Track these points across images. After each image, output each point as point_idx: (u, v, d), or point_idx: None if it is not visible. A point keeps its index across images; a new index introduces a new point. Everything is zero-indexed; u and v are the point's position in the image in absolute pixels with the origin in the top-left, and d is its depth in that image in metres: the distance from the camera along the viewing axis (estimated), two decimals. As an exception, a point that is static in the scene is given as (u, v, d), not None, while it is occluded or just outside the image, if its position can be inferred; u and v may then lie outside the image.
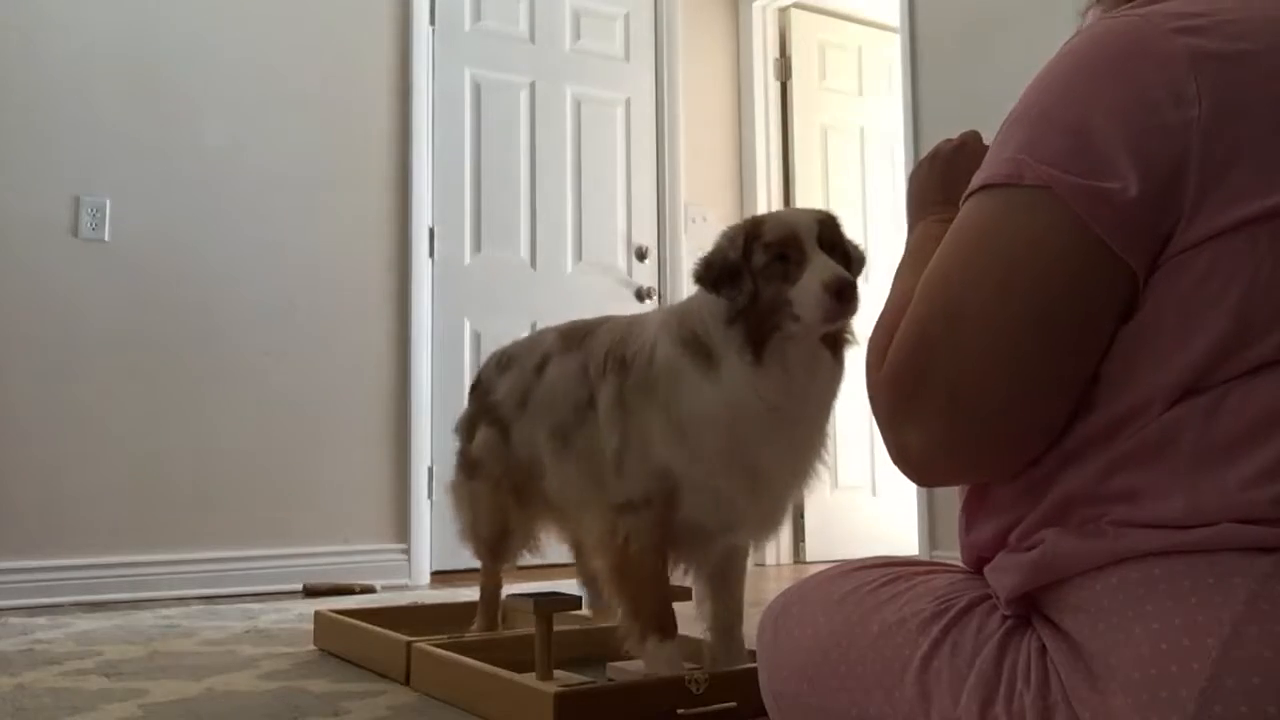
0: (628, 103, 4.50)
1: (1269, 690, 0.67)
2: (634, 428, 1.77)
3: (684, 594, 1.88)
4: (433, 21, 4.04)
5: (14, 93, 3.29)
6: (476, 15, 4.20)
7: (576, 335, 2.00)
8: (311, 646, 2.41)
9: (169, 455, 3.40)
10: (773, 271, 1.65)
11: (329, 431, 3.65)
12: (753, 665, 1.13)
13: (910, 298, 0.88)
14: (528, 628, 2.01)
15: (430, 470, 3.77)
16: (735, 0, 4.77)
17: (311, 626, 2.47)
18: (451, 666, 1.85)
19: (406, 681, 1.97)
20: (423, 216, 3.92)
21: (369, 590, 3.53)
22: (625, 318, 2.00)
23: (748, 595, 1.95)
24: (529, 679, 1.73)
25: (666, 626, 1.77)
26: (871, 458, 4.57)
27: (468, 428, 2.30)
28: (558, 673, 1.81)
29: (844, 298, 1.58)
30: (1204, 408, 0.76)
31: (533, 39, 4.32)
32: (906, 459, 0.88)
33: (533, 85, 4.29)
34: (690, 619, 1.94)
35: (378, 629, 2.17)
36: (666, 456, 1.73)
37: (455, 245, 4.05)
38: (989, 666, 0.82)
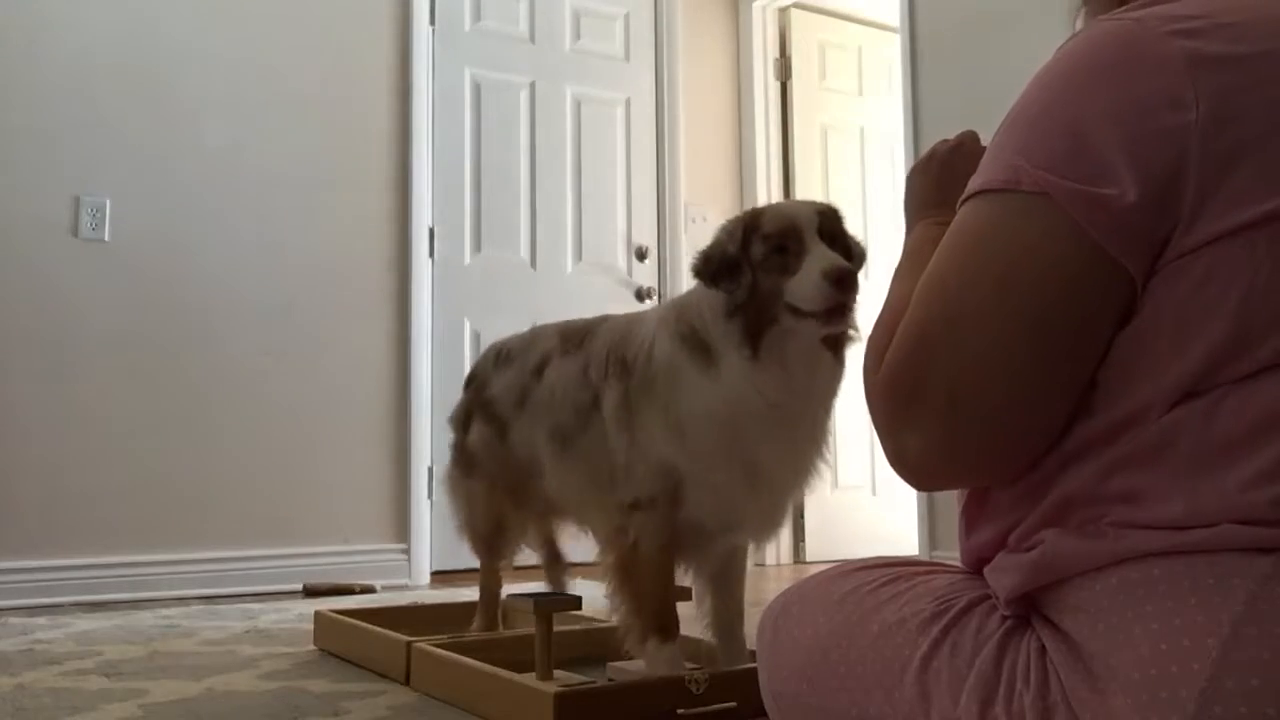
0: (628, 103, 4.50)
1: (1268, 691, 0.67)
2: (638, 428, 1.77)
3: (684, 594, 1.88)
4: (433, 21, 4.04)
5: (14, 93, 3.29)
6: (476, 15, 4.20)
7: (576, 336, 1.99)
8: (311, 646, 2.41)
9: (169, 455, 3.40)
10: (772, 263, 1.63)
11: (329, 431, 3.65)
12: (753, 665, 1.13)
13: (908, 301, 0.88)
14: (528, 628, 2.01)
15: (430, 470, 3.77)
16: (735, 0, 4.77)
17: (311, 626, 2.47)
18: (451, 666, 1.85)
19: (406, 681, 1.97)
20: (423, 216, 3.92)
21: (369, 590, 3.53)
22: (624, 317, 1.99)
23: (748, 595, 1.95)
24: (529, 679, 1.73)
25: (668, 628, 1.77)
26: (872, 458, 4.56)
27: (463, 420, 2.28)
28: (558, 673, 1.81)
29: (844, 286, 1.56)
30: (1203, 410, 0.76)
31: (533, 39, 4.32)
32: (905, 463, 0.88)
33: (533, 85, 4.29)
34: (690, 619, 1.94)
35: (378, 629, 2.17)
36: (668, 454, 1.72)
37: (455, 245, 4.05)
38: (988, 667, 0.82)
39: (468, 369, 3.36)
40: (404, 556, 3.75)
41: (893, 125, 4.33)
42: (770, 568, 4.32)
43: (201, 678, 2.06)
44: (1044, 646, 0.80)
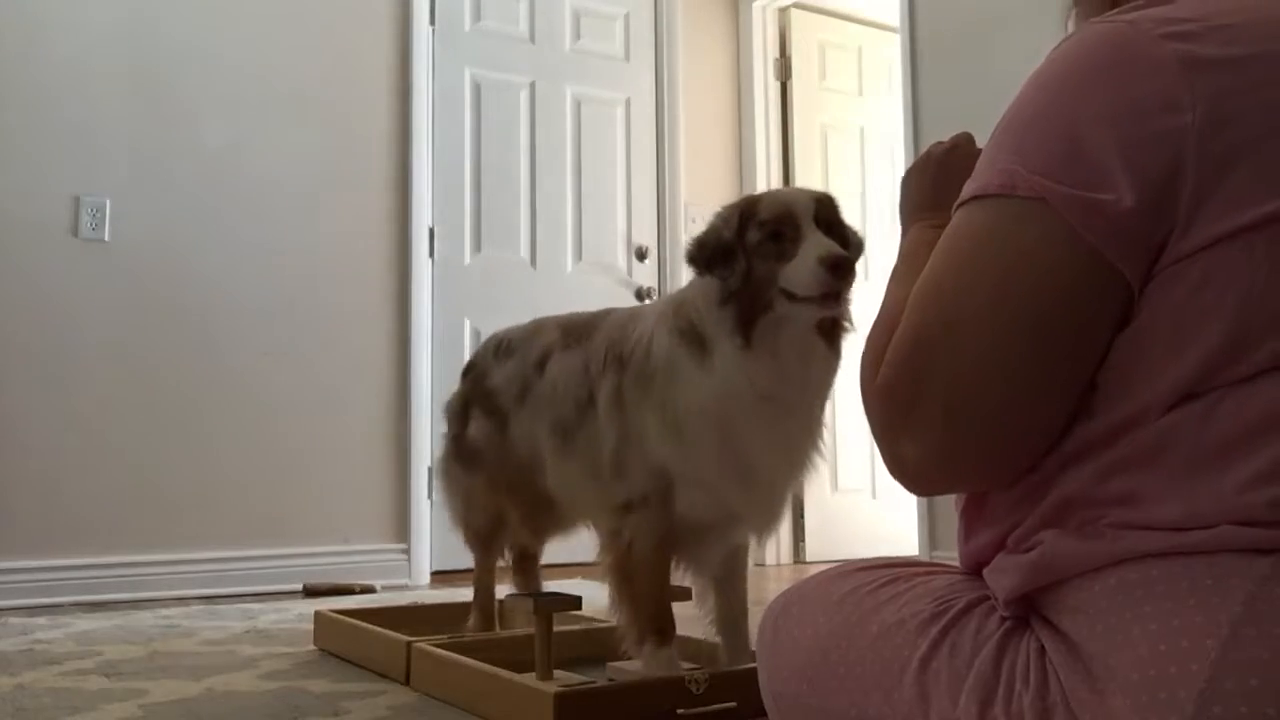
0: (628, 103, 4.50)
1: (1267, 692, 0.67)
2: (631, 425, 1.76)
3: (683, 594, 1.88)
4: (433, 21, 4.04)
5: (14, 93, 3.30)
6: (476, 15, 4.20)
7: (578, 330, 1.98)
8: (311, 646, 2.41)
9: (169, 454, 3.40)
10: (767, 250, 1.62)
11: (329, 431, 3.65)
12: (754, 665, 1.13)
13: (904, 305, 0.88)
14: (528, 628, 2.01)
15: (430, 470, 3.77)
16: (735, 0, 4.77)
17: (311, 626, 2.47)
18: (451, 666, 1.85)
19: (406, 681, 1.97)
20: (423, 216, 3.92)
21: (369, 590, 3.53)
22: (626, 311, 1.98)
23: (748, 594, 1.94)
24: (529, 679, 1.73)
25: (665, 630, 1.77)
26: (872, 459, 4.56)
27: (460, 411, 2.25)
28: (558, 673, 1.81)
29: (840, 272, 1.55)
30: (1200, 413, 0.76)
31: (533, 39, 4.32)
32: (903, 469, 0.88)
33: (533, 85, 4.29)
34: (689, 619, 1.94)
35: (378, 629, 2.17)
36: (663, 454, 1.72)
37: (455, 245, 4.05)
38: (988, 667, 0.82)
39: (468, 367, 3.31)
40: (404, 556, 3.75)
41: (893, 125, 4.33)
42: (770, 568, 4.32)
43: (201, 678, 2.06)
44: (1043, 647, 0.80)
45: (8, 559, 3.15)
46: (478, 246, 4.11)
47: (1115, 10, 0.87)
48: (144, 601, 3.24)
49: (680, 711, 1.62)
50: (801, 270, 1.58)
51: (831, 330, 1.68)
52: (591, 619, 2.25)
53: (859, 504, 4.59)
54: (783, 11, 4.77)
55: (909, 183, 1.13)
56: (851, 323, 1.70)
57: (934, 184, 1.09)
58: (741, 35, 4.75)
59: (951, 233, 0.87)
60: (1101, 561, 0.77)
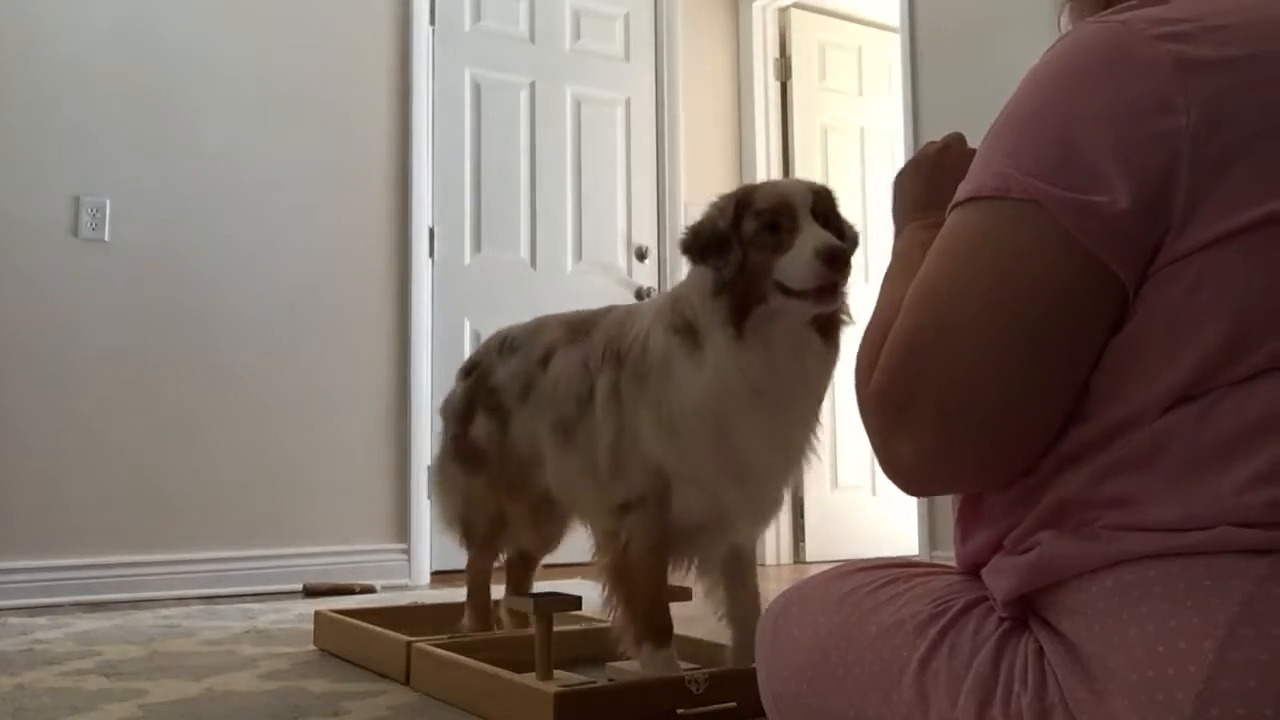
0: (628, 103, 4.50)
1: (1265, 693, 0.67)
2: (627, 422, 1.75)
3: (683, 594, 1.88)
4: (433, 21, 4.04)
5: (14, 93, 3.30)
6: (476, 15, 4.20)
7: (581, 327, 1.97)
8: (311, 646, 2.41)
9: (169, 455, 3.40)
10: (763, 240, 1.61)
11: (329, 431, 3.65)
12: (754, 665, 1.13)
13: (899, 306, 0.88)
14: (527, 628, 2.01)
15: (430, 470, 3.77)
16: (735, 0, 4.77)
17: (311, 626, 2.47)
18: (451, 666, 1.85)
19: (406, 681, 1.97)
20: (423, 216, 3.92)
21: (369, 590, 3.53)
22: (625, 308, 1.98)
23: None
24: (529, 679, 1.73)
25: (662, 632, 1.77)
26: (871, 456, 4.51)
27: (463, 411, 2.21)
28: (558, 673, 1.81)
29: (836, 265, 1.54)
30: (1197, 415, 0.76)
31: (533, 39, 4.32)
32: (898, 470, 0.88)
33: (533, 85, 4.29)
34: (689, 619, 1.94)
35: (378, 629, 2.17)
36: (657, 453, 1.71)
37: (455, 245, 4.05)
38: (986, 668, 0.82)
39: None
40: (404, 556, 3.75)
41: (893, 125, 4.33)
42: (770, 568, 4.33)
43: (201, 678, 2.06)
44: (1041, 648, 0.80)
45: (8, 559, 3.15)
46: (478, 246, 4.12)
47: (1109, 10, 0.87)
48: (144, 601, 3.24)
49: (680, 711, 1.62)
50: (797, 262, 1.57)
51: (828, 324, 1.66)
52: (591, 619, 2.25)
53: (859, 502, 4.59)
54: (783, 11, 4.77)
55: (902, 183, 1.13)
56: (850, 316, 1.68)
57: (927, 184, 1.09)
58: (741, 35, 4.75)
59: (946, 234, 0.86)
60: (1098, 563, 0.77)
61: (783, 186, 1.71)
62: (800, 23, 4.76)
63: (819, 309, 1.60)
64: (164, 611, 3.04)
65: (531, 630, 1.87)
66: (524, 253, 4.22)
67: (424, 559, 3.79)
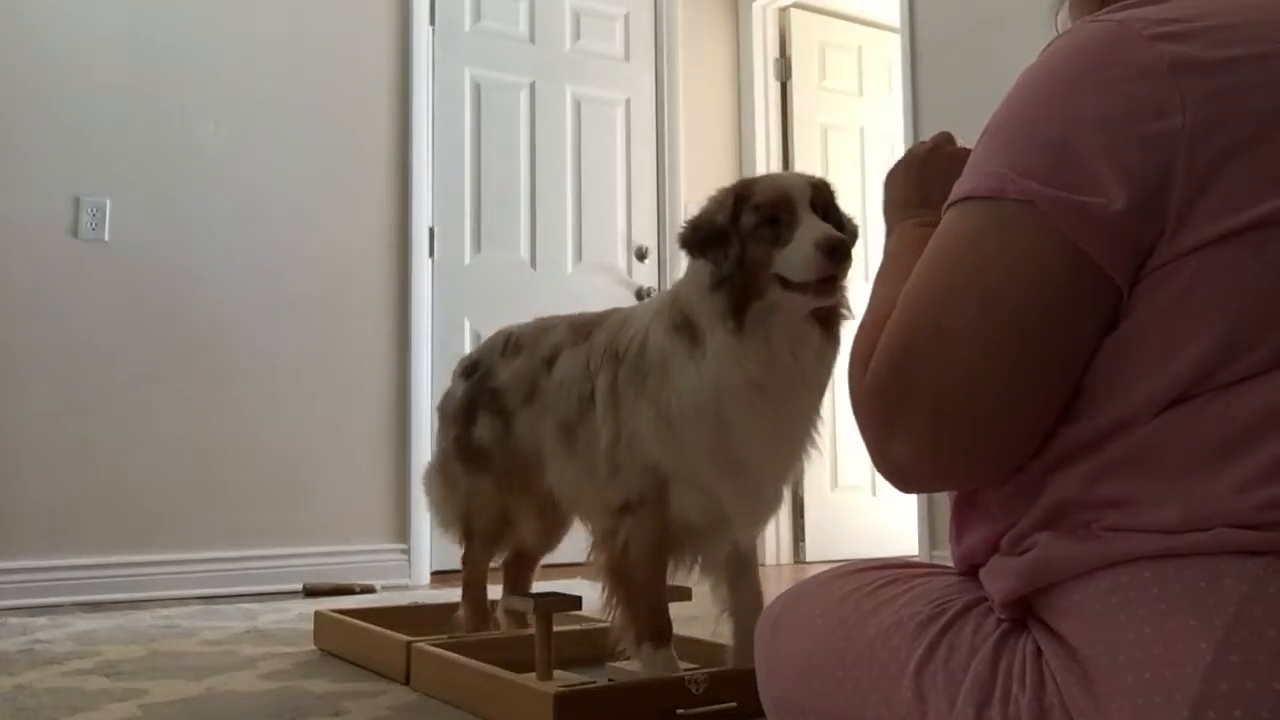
0: (628, 103, 4.50)
1: (1263, 694, 0.67)
2: (625, 422, 1.75)
3: (683, 594, 1.87)
4: (433, 21, 4.04)
5: (14, 93, 3.30)
6: (476, 15, 4.20)
7: (585, 328, 1.97)
8: (311, 646, 2.41)
9: (169, 455, 3.40)
10: (762, 234, 1.60)
11: (329, 431, 3.65)
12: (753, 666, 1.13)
13: (892, 305, 0.88)
14: (527, 627, 2.01)
15: (427, 469, 3.77)
16: (735, 0, 4.77)
17: (311, 626, 2.47)
18: (451, 666, 1.86)
19: (406, 681, 1.97)
20: (423, 216, 3.92)
21: (369, 590, 3.53)
22: (627, 309, 1.97)
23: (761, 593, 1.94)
24: (529, 679, 1.73)
25: (662, 632, 1.77)
26: (871, 457, 4.55)
27: (464, 411, 2.19)
28: (558, 673, 1.82)
29: (836, 257, 1.54)
30: (1191, 416, 0.76)
31: (533, 39, 4.32)
32: (892, 468, 0.88)
33: (533, 85, 4.29)
34: (689, 619, 1.94)
35: (378, 629, 2.17)
36: (656, 453, 1.71)
37: (455, 245, 4.05)
38: (984, 669, 0.82)
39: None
40: (404, 556, 3.75)
41: (893, 125, 4.33)
42: (770, 568, 4.33)
43: (201, 678, 2.06)
44: (1040, 649, 0.80)
45: (8, 559, 3.15)
46: (478, 247, 4.12)
47: (1106, 9, 0.86)
48: (144, 601, 3.24)
49: (680, 712, 1.62)
50: (797, 255, 1.56)
51: (828, 318, 1.66)
52: (591, 619, 2.25)
53: (859, 501, 4.59)
54: (783, 11, 4.77)
55: (892, 182, 1.13)
56: (849, 310, 1.67)
57: (918, 183, 1.09)
58: (741, 35, 4.75)
59: (941, 234, 0.86)
60: (1095, 564, 0.77)
61: (781, 179, 1.71)
62: (800, 23, 4.76)
63: (819, 301, 1.60)
64: (164, 611, 3.05)
65: (531, 630, 1.87)
66: (524, 253, 4.22)
67: (424, 559, 3.79)
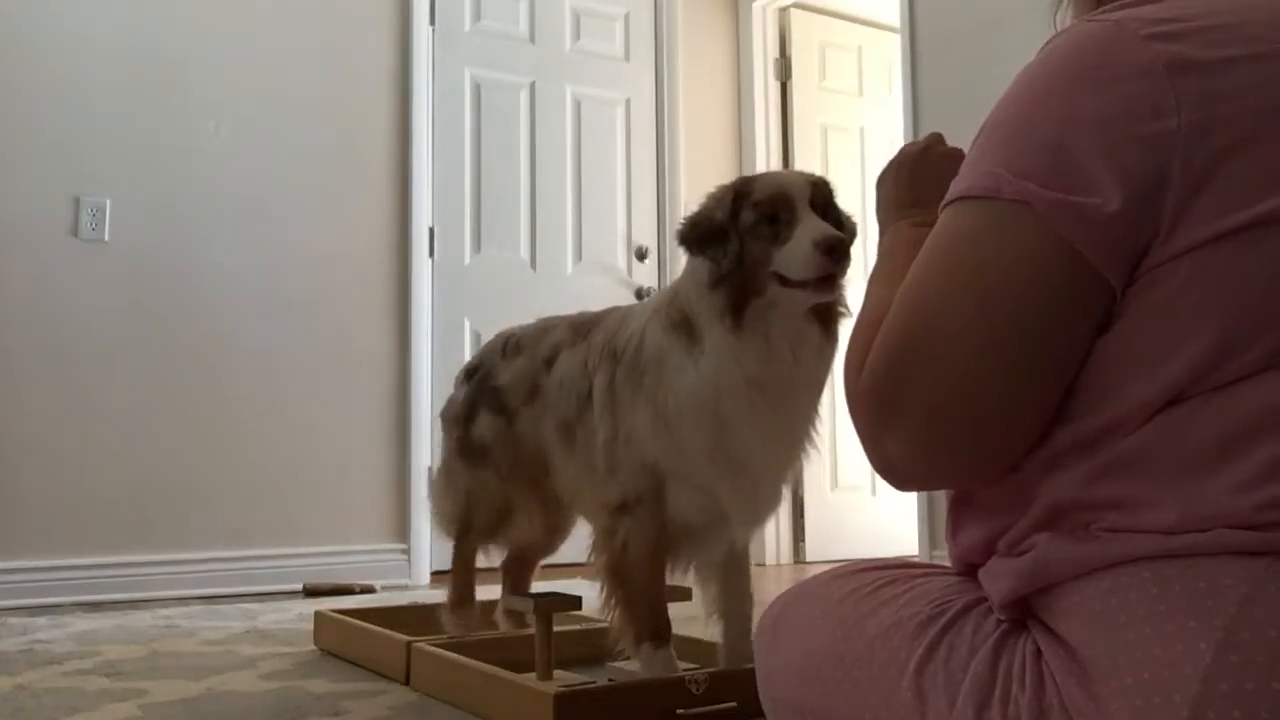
0: (628, 103, 4.50)
1: (1262, 695, 0.67)
2: (623, 420, 1.75)
3: (682, 594, 1.87)
4: (433, 21, 4.04)
5: (14, 93, 3.30)
6: (476, 15, 4.20)
7: (584, 327, 1.97)
8: (311, 646, 2.41)
9: (169, 455, 3.40)
10: (761, 232, 1.60)
11: (329, 431, 3.65)
12: (753, 666, 1.13)
13: (886, 306, 0.88)
14: (526, 627, 2.01)
15: (430, 470, 3.77)
16: (735, 0, 4.77)
17: (311, 626, 2.47)
18: (451, 666, 1.86)
19: (406, 681, 1.97)
20: (423, 216, 3.92)
21: (369, 590, 3.53)
22: (626, 308, 1.97)
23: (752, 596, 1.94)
24: (529, 679, 1.73)
25: (661, 632, 1.76)
26: (871, 457, 4.55)
27: (466, 413, 2.19)
28: (558, 673, 1.82)
29: (835, 255, 1.54)
30: (1187, 416, 0.75)
31: (533, 39, 4.32)
32: (888, 467, 0.88)
33: (533, 85, 4.30)
34: (688, 619, 1.94)
35: (378, 629, 2.17)
36: (653, 452, 1.70)
37: (455, 245, 4.05)
38: (984, 670, 0.82)
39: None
40: (404, 556, 3.75)
41: (893, 125, 4.34)
42: (770, 568, 4.33)
43: (201, 678, 2.06)
44: (1039, 650, 0.80)
45: (8, 559, 3.15)
46: (478, 246, 4.12)
47: (1103, 9, 0.86)
48: (144, 601, 3.24)
49: (680, 711, 1.62)
50: (796, 253, 1.56)
51: (827, 316, 1.65)
52: (591, 619, 2.25)
53: (859, 501, 4.59)
54: (783, 11, 4.77)
55: (884, 184, 1.13)
56: (847, 308, 1.67)
57: (910, 184, 1.09)
58: (741, 35, 4.75)
59: (937, 234, 0.87)
60: (1095, 565, 0.77)
61: (781, 177, 1.70)
62: (800, 23, 4.76)
63: (818, 299, 1.60)
64: (164, 611, 3.05)
65: (531, 630, 1.87)
66: (524, 253, 4.22)
67: (424, 559, 3.79)
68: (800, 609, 1.05)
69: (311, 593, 3.43)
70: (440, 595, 2.33)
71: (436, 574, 3.79)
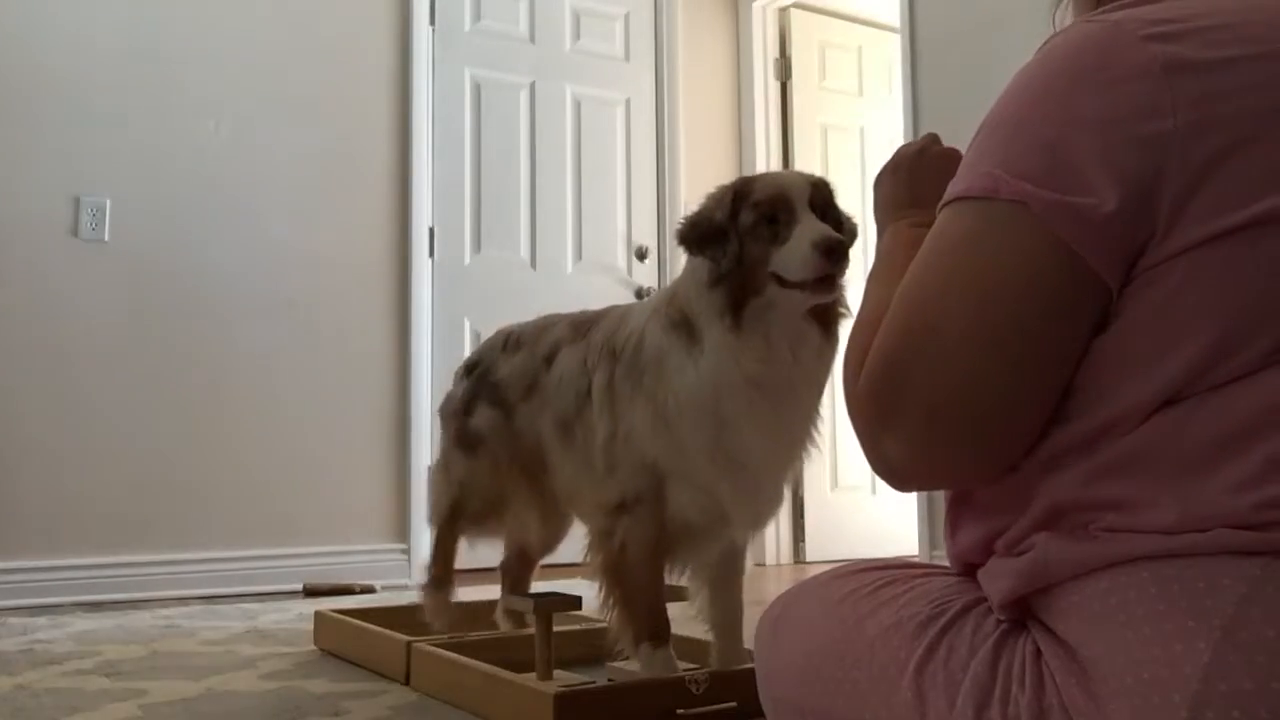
0: (628, 103, 4.50)
1: (1261, 695, 0.67)
2: (622, 419, 1.75)
3: (678, 594, 1.87)
4: (433, 21, 4.04)
5: (14, 93, 3.30)
6: (476, 15, 4.20)
7: (584, 325, 1.97)
8: (311, 646, 2.41)
9: (169, 455, 3.40)
10: (761, 232, 1.60)
11: (329, 431, 3.65)
12: (751, 666, 1.13)
13: (885, 306, 0.88)
14: (525, 627, 2.01)
15: (430, 470, 3.77)
16: (735, 0, 4.77)
17: (311, 626, 2.47)
18: (451, 666, 1.86)
19: (406, 681, 1.97)
20: (423, 216, 3.92)
21: (369, 590, 3.53)
22: (625, 306, 1.97)
23: (747, 595, 1.94)
24: (529, 679, 1.73)
25: (660, 633, 1.76)
26: (871, 457, 4.55)
27: (465, 406, 2.18)
28: (558, 673, 1.81)
29: (834, 257, 1.54)
30: (1182, 417, 0.76)
31: (533, 39, 4.32)
32: (887, 468, 0.88)
33: (533, 85, 4.30)
34: (688, 619, 1.94)
35: (378, 629, 2.17)
36: (653, 451, 1.70)
37: (455, 245, 4.05)
38: (984, 670, 0.82)
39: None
40: (404, 556, 3.75)
41: (893, 125, 4.33)
42: (770, 568, 4.33)
43: (201, 678, 2.06)
44: (1039, 650, 0.80)
45: (8, 559, 3.15)
46: (478, 246, 4.12)
47: (1102, 9, 0.87)
48: (144, 601, 3.24)
49: (680, 711, 1.62)
50: (795, 254, 1.56)
51: (827, 317, 1.65)
52: (591, 619, 2.25)
53: (859, 501, 4.59)
54: (783, 11, 4.77)
55: (882, 184, 1.14)
56: (847, 308, 1.67)
57: (908, 185, 1.09)
58: (741, 35, 4.75)
59: (935, 235, 0.87)
60: (1094, 564, 0.77)
61: (780, 178, 1.70)
62: (800, 23, 4.76)
63: (816, 299, 1.60)
64: (164, 611, 3.05)
65: (531, 630, 1.87)
66: (524, 253, 4.22)
67: (424, 559, 3.78)
68: (800, 609, 1.05)
69: (311, 593, 3.43)
70: (440, 595, 2.33)
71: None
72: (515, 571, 2.38)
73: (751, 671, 1.11)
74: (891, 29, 4.27)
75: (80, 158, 3.37)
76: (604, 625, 1.86)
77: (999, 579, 0.85)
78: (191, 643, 2.49)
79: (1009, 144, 0.83)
